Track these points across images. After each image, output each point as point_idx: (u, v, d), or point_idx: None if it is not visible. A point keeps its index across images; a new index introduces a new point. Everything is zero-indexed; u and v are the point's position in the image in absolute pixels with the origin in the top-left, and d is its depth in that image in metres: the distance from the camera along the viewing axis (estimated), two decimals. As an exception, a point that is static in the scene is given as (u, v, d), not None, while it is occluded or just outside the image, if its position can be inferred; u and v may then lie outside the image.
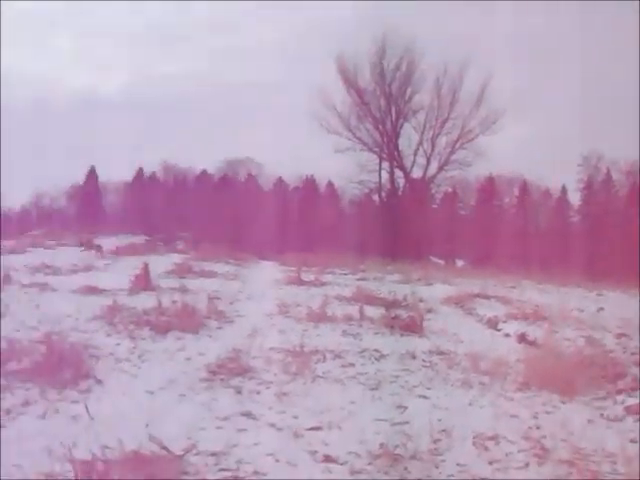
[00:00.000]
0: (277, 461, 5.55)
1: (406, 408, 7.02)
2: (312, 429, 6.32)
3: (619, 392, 7.77)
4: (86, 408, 6.28)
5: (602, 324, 12.69)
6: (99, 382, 7.78)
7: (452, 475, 5.44)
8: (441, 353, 9.73)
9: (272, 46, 70.76)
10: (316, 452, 5.76)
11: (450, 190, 54.91)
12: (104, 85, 79.19)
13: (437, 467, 5.53)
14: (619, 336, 11.40)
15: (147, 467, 5.05)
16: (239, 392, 7.51)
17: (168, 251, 30.25)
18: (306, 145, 62.47)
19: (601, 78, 63.62)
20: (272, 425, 6.41)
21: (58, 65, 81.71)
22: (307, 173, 60.28)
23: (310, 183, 60.40)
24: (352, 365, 8.89)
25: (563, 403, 7.47)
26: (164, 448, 5.33)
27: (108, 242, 29.90)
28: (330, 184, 58.72)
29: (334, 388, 7.78)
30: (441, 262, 47.27)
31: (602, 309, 15.21)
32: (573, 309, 14.61)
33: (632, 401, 7.40)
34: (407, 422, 6.53)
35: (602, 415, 7.08)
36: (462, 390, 7.84)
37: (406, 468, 5.46)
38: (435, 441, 6.04)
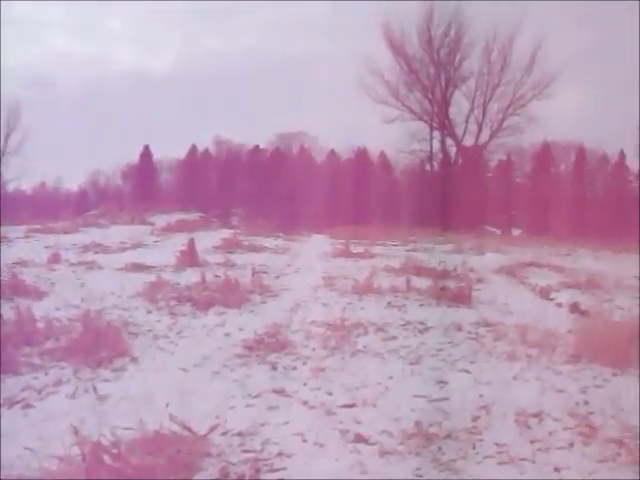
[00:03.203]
0: (305, 441, 5.29)
1: (446, 383, 6.66)
2: (345, 406, 6.03)
3: (674, 363, 7.33)
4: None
5: (659, 292, 12.16)
6: (134, 360, 7.64)
7: (490, 456, 5.11)
8: (488, 325, 9.31)
9: (319, 17, 70.08)
10: (347, 431, 5.47)
11: (504, 158, 53.87)
12: (154, 63, 79.44)
13: (474, 447, 5.18)
14: (678, 304, 10.89)
15: (168, 448, 4.85)
16: (274, 368, 7.27)
17: (222, 227, 30.26)
18: (357, 116, 61.95)
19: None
20: (304, 403, 6.15)
21: (109, 46, 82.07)
22: (359, 144, 59.76)
23: (362, 154, 59.81)
24: (394, 338, 8.55)
25: (614, 376, 7.05)
26: (186, 428, 5.13)
27: (162, 219, 30.01)
28: (382, 155, 58.06)
29: (373, 363, 7.46)
30: (497, 231, 46.53)
31: (660, 276, 14.64)
32: (629, 276, 14.09)
33: (688, 373, 6.99)
34: (446, 398, 6.19)
35: (656, 388, 6.65)
36: (507, 363, 7.41)
37: (440, 448, 5.14)
38: (474, 419, 5.69)
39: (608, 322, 8.54)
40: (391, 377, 6.88)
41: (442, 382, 6.70)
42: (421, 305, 10.76)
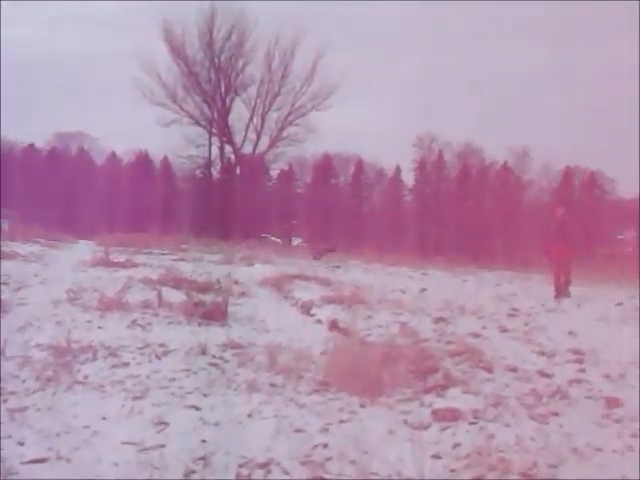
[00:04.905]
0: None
1: (167, 425, 5.56)
2: (33, 462, 4.78)
3: (428, 391, 6.73)
4: None
5: (422, 306, 11.92)
6: None
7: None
8: (237, 346, 8.35)
9: (100, 13, 67.52)
10: (22, 502, 4.27)
11: (286, 168, 53.97)
12: None
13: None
14: (437, 321, 10.59)
15: None
16: (-37, 411, 5.84)
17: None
18: (139, 118, 60.11)
19: (436, 61, 65.00)
20: (-19, 459, 4.81)
21: None
22: (141, 148, 57.87)
23: (143, 158, 57.94)
24: (126, 365, 7.36)
25: (362, 407, 6.29)
26: None
27: None
28: (165, 159, 56.42)
29: (89, 398, 6.20)
30: (279, 241, 46.47)
31: (425, 289, 14.57)
32: (395, 290, 13.86)
33: (441, 403, 6.39)
34: (162, 446, 5.10)
35: (405, 422, 5.94)
36: (246, 396, 6.39)
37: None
38: (187, 474, 4.66)
39: (363, 342, 7.92)
40: (104, 418, 5.69)
41: (163, 423, 5.58)
42: (170, 323, 9.74)
